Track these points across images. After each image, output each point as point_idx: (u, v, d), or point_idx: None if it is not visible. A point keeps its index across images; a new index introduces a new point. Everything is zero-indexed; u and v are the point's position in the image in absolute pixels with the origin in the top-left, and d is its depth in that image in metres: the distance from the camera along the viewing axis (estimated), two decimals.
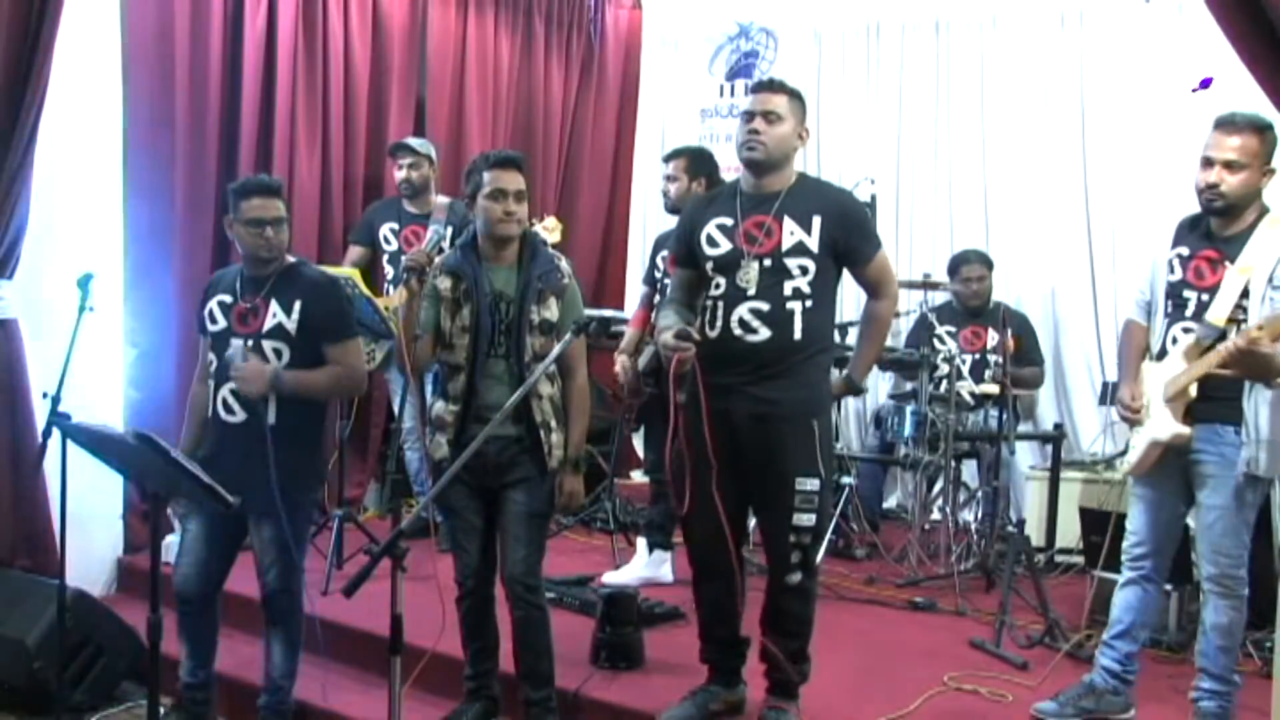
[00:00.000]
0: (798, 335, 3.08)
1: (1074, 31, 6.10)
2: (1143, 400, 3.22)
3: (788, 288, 3.08)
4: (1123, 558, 3.33)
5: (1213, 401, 3.05)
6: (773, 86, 3.27)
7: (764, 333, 3.08)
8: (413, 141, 5.24)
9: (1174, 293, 3.22)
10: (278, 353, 3.28)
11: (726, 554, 3.13)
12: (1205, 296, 3.14)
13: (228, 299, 3.37)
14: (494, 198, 3.22)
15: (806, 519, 3.07)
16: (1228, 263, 3.11)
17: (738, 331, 3.09)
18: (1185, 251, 3.22)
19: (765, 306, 3.08)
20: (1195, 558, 3.22)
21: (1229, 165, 3.04)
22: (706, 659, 3.37)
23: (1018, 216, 6.22)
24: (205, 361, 3.43)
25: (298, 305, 3.29)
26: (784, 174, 3.19)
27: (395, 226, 5.15)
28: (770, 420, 3.08)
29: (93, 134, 4.49)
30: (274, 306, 3.29)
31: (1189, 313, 3.17)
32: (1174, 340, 3.19)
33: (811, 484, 3.06)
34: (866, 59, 6.72)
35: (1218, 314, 3.08)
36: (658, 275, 4.57)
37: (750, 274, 3.10)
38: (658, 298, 4.53)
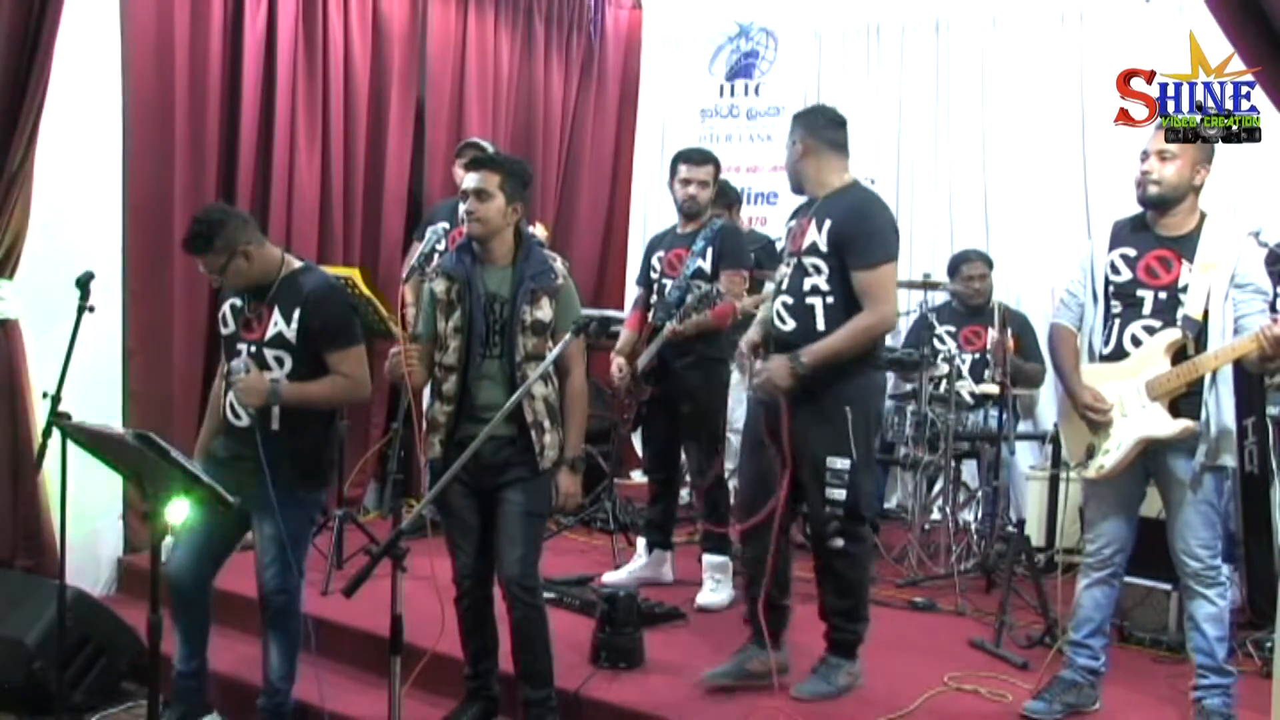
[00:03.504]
0: (821, 327, 3.37)
1: (1074, 31, 6.10)
2: (1108, 401, 3.24)
3: (806, 284, 3.40)
4: (1088, 559, 3.39)
5: (1187, 397, 3.16)
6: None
7: (790, 324, 3.43)
8: (481, 141, 5.23)
9: (1123, 293, 3.27)
10: (279, 361, 3.29)
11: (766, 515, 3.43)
12: (1163, 294, 3.20)
13: (238, 303, 3.38)
14: (460, 197, 3.29)
15: (838, 493, 3.36)
16: (1185, 261, 3.17)
17: (776, 322, 3.49)
18: (1131, 252, 3.27)
19: (790, 300, 3.44)
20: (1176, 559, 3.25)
21: (1161, 154, 3.19)
22: (748, 617, 3.58)
23: (1018, 216, 6.21)
24: (223, 360, 3.44)
25: (297, 313, 3.28)
26: (823, 184, 3.47)
27: (446, 226, 5.09)
28: (802, 404, 3.37)
29: (93, 134, 4.49)
30: (275, 315, 3.29)
31: (1146, 311, 3.22)
32: (1133, 340, 3.23)
33: (842, 463, 3.34)
34: (866, 59, 6.71)
35: (1195, 309, 3.14)
36: (654, 276, 4.57)
37: (786, 271, 3.50)
38: (654, 298, 4.53)
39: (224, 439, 3.39)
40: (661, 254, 4.55)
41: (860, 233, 3.34)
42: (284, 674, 3.42)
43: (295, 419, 3.28)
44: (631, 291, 7.05)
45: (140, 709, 3.64)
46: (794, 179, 3.57)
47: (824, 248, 3.35)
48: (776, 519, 3.40)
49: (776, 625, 3.53)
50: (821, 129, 3.50)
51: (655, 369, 4.38)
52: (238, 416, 3.32)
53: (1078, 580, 3.44)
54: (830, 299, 3.36)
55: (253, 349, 3.29)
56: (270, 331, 3.29)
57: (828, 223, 3.36)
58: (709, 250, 4.37)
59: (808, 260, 3.39)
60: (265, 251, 3.35)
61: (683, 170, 4.50)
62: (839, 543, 3.38)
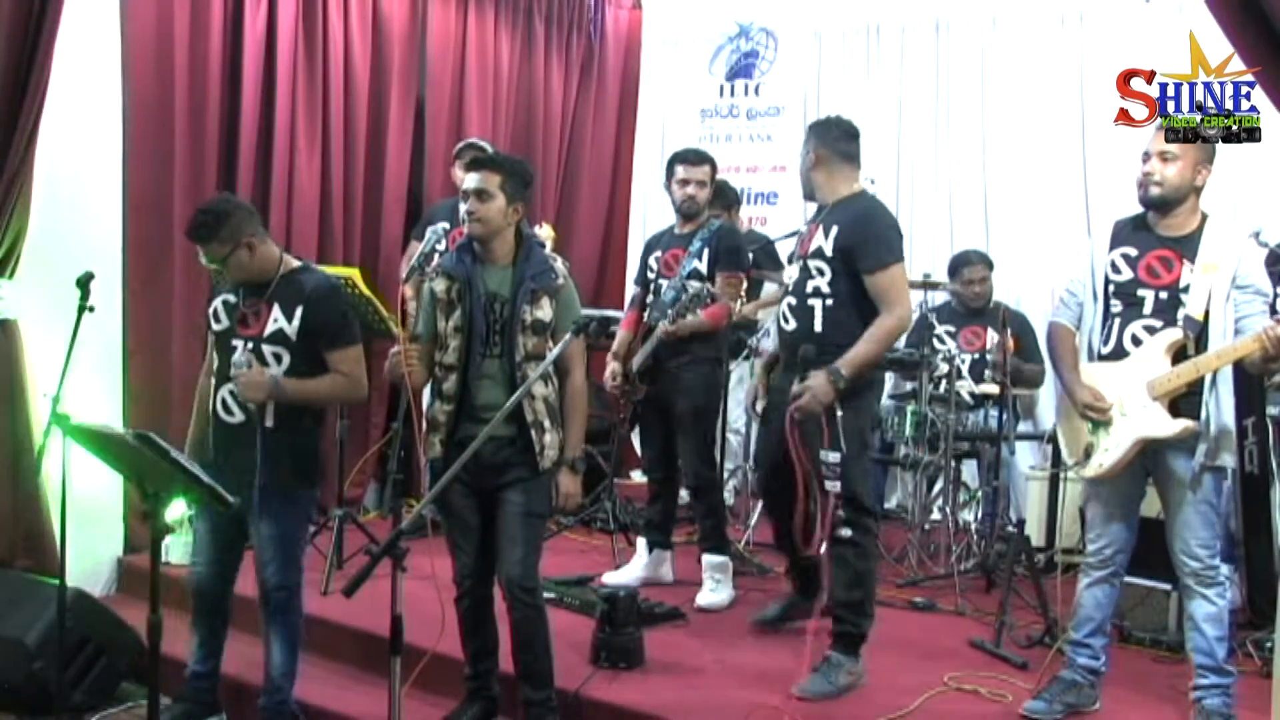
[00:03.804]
0: (819, 328, 3.53)
1: (1074, 31, 6.10)
2: (1107, 400, 3.24)
3: (809, 286, 3.57)
4: (1090, 559, 3.39)
5: (1187, 397, 3.16)
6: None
7: (792, 323, 3.62)
8: (480, 142, 5.22)
9: (1124, 292, 3.27)
10: (278, 357, 3.29)
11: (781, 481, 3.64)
12: (1164, 294, 3.20)
13: (231, 299, 3.38)
14: (461, 197, 3.30)
15: (832, 485, 3.44)
16: (1186, 261, 3.17)
17: (780, 322, 3.71)
18: (1133, 252, 3.27)
19: (794, 301, 3.62)
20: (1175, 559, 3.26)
21: (1163, 155, 3.18)
22: (789, 572, 4.02)
23: (1018, 216, 6.22)
24: (210, 357, 3.44)
25: (299, 311, 3.29)
26: (833, 192, 3.64)
27: (446, 226, 5.08)
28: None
29: (93, 134, 4.49)
30: (275, 311, 3.30)
31: (1147, 310, 3.22)
32: (1134, 339, 3.23)
33: (833, 457, 3.43)
34: (866, 59, 6.72)
35: (1196, 310, 3.14)
36: (650, 276, 4.57)
37: (793, 273, 3.66)
38: (650, 298, 4.53)
39: (214, 437, 3.37)
40: (659, 254, 4.55)
41: (866, 238, 3.49)
42: (285, 671, 3.42)
43: (289, 416, 3.28)
44: (632, 292, 7.06)
45: (140, 709, 3.64)
46: (806, 186, 3.75)
47: (829, 252, 3.51)
48: (828, 504, 3.50)
49: (812, 579, 3.85)
50: (835, 140, 3.68)
51: (650, 368, 4.39)
52: (230, 413, 3.31)
53: (1079, 580, 3.44)
54: (830, 301, 3.51)
55: (250, 345, 3.29)
56: (270, 328, 3.29)
57: (834, 229, 3.52)
58: (706, 251, 4.38)
59: (813, 263, 3.55)
60: (267, 247, 3.36)
61: (680, 171, 4.49)
62: (846, 532, 3.49)
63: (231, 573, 3.47)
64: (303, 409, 3.33)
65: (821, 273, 3.53)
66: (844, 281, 3.49)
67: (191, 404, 4.40)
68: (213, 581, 3.43)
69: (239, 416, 3.29)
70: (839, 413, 3.44)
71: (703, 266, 4.37)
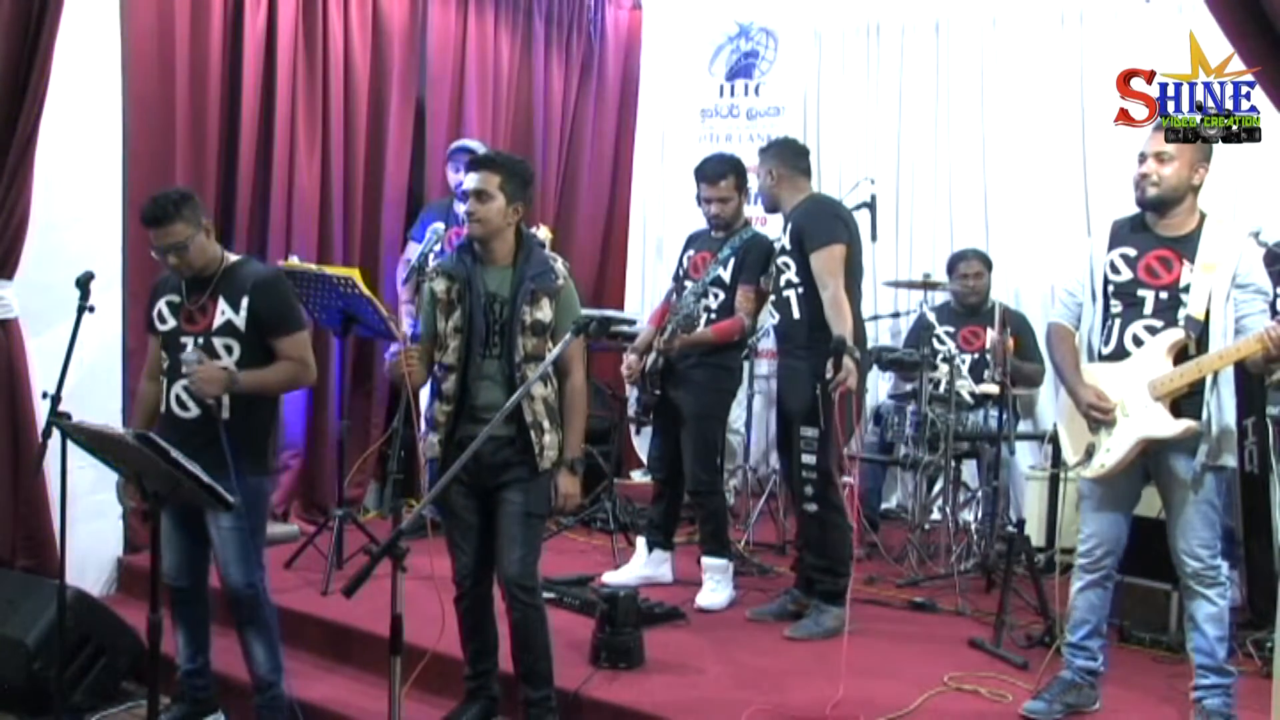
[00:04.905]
0: (797, 315, 4.06)
1: (1074, 31, 6.11)
2: (1111, 401, 3.24)
3: (782, 280, 4.12)
4: (1080, 561, 3.38)
5: (1189, 397, 3.17)
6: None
7: (779, 317, 4.16)
8: (472, 143, 5.22)
9: (1124, 292, 3.27)
10: (228, 349, 3.31)
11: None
12: (1164, 294, 3.20)
13: (175, 299, 3.38)
14: (460, 197, 3.27)
15: (808, 459, 3.96)
16: (1186, 261, 3.17)
17: (770, 318, 4.25)
18: (1132, 252, 3.27)
19: (775, 298, 4.17)
20: (1176, 559, 3.26)
21: (1159, 156, 3.19)
22: (794, 568, 4.42)
23: (1018, 216, 6.22)
24: (155, 359, 3.44)
25: (245, 302, 3.31)
26: (793, 201, 4.16)
27: (441, 227, 5.06)
28: (787, 381, 4.13)
29: (93, 134, 4.49)
30: (221, 304, 3.32)
31: (1148, 310, 3.22)
32: (1135, 339, 3.23)
33: (811, 432, 3.94)
34: (866, 59, 6.72)
35: (1197, 309, 3.14)
36: (680, 273, 4.57)
37: (772, 272, 4.20)
38: (674, 297, 4.53)
39: (169, 436, 3.24)
40: (691, 253, 4.55)
41: (809, 223, 4.03)
42: (271, 666, 3.42)
43: (244, 406, 3.28)
44: (632, 292, 7.08)
45: (140, 709, 3.63)
46: (769, 201, 4.26)
47: (789, 246, 4.06)
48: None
49: (810, 574, 4.14)
50: (792, 160, 4.20)
51: (662, 368, 4.40)
52: (185, 408, 3.31)
53: (1071, 583, 3.44)
54: (801, 289, 4.03)
55: (199, 340, 3.30)
56: (218, 320, 3.31)
57: (789, 225, 4.09)
58: (732, 260, 4.35)
59: (780, 260, 4.11)
60: (213, 240, 3.39)
61: (701, 189, 4.44)
62: (813, 507, 3.97)
63: (203, 565, 3.46)
64: (257, 402, 3.34)
65: (788, 266, 4.06)
66: (806, 268, 3.99)
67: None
68: (186, 576, 3.42)
69: (194, 411, 3.29)
70: (819, 392, 3.82)
71: (726, 275, 4.34)
